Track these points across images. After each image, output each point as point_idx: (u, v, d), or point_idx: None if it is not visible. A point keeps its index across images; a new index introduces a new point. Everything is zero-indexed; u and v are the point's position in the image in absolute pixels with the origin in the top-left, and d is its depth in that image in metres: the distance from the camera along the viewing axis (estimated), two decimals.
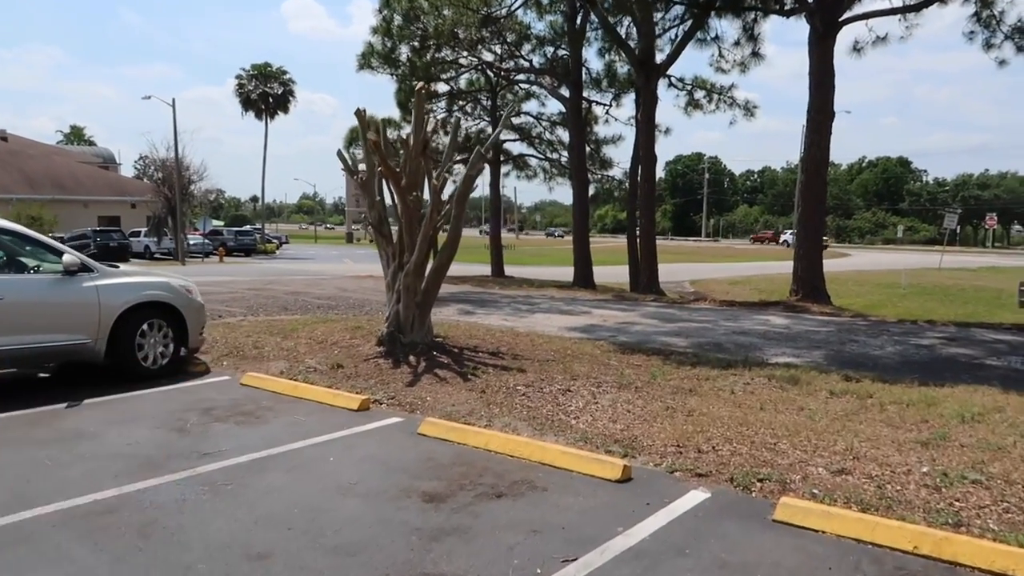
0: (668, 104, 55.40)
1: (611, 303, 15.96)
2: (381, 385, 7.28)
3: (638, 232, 21.83)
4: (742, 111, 25.03)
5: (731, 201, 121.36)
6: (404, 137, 9.29)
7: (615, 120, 28.67)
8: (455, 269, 33.47)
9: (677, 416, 6.24)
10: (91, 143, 71.84)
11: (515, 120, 30.32)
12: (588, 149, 28.23)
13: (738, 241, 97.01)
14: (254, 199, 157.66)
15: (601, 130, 28.17)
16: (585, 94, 26.11)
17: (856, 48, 16.50)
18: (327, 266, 38.19)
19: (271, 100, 51.75)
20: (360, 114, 8.81)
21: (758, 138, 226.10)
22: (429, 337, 9.07)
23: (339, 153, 9.12)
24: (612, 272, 29.43)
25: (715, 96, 25.17)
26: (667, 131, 26.41)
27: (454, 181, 14.93)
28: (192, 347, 8.32)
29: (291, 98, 52.13)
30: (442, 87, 28.58)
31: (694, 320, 12.96)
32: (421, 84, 8.89)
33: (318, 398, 6.93)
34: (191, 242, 45.75)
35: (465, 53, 25.41)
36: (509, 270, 32.73)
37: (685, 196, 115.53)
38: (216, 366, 8.51)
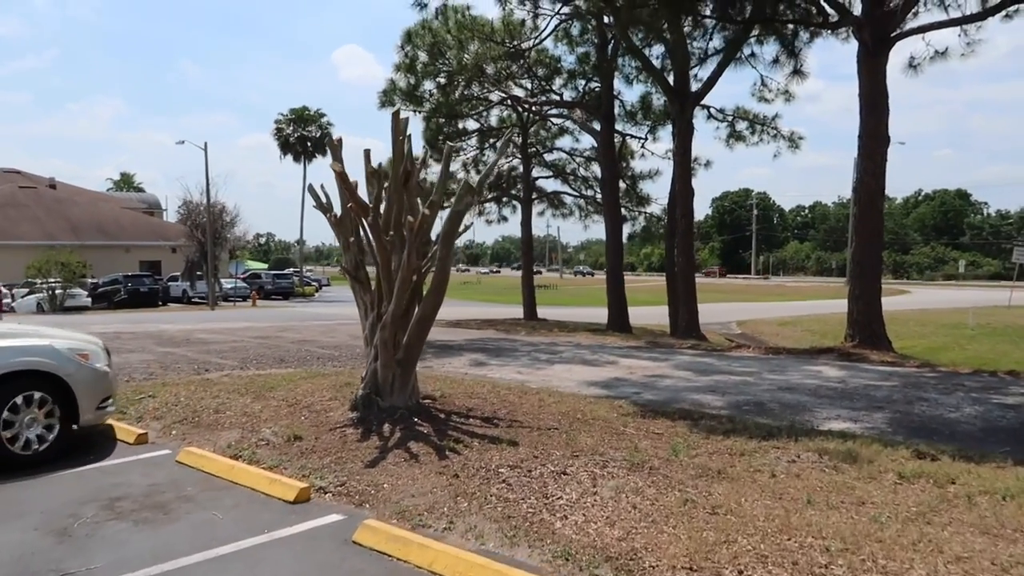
0: (708, 137, 54.20)
1: (642, 351, 14.47)
2: (336, 465, 5.97)
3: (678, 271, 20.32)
4: (787, 143, 23.55)
5: (781, 237, 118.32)
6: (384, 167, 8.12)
7: (651, 154, 27.34)
8: (483, 312, 32.37)
9: (697, 514, 4.79)
10: (140, 189, 73.26)
11: (548, 157, 29.30)
12: (624, 185, 26.97)
13: (789, 279, 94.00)
14: (299, 242, 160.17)
15: (637, 165, 26.90)
16: (619, 127, 24.94)
17: (912, 65, 14.95)
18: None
19: (308, 143, 51.86)
20: (332, 142, 7.66)
21: (808, 173, 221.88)
22: (414, 399, 7.76)
23: (310, 188, 8.00)
24: (654, 313, 27.79)
25: (758, 127, 23.77)
26: (707, 164, 24.95)
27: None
28: (87, 422, 6.80)
29: (327, 138, 52.17)
30: (471, 124, 27.74)
31: (733, 372, 11.40)
32: (397, 108, 7.73)
33: (253, 484, 5.65)
34: (227, 286, 45.63)
35: (493, 89, 24.50)
36: (545, 311, 31.38)
37: (733, 233, 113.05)
38: (163, 436, 7.32)
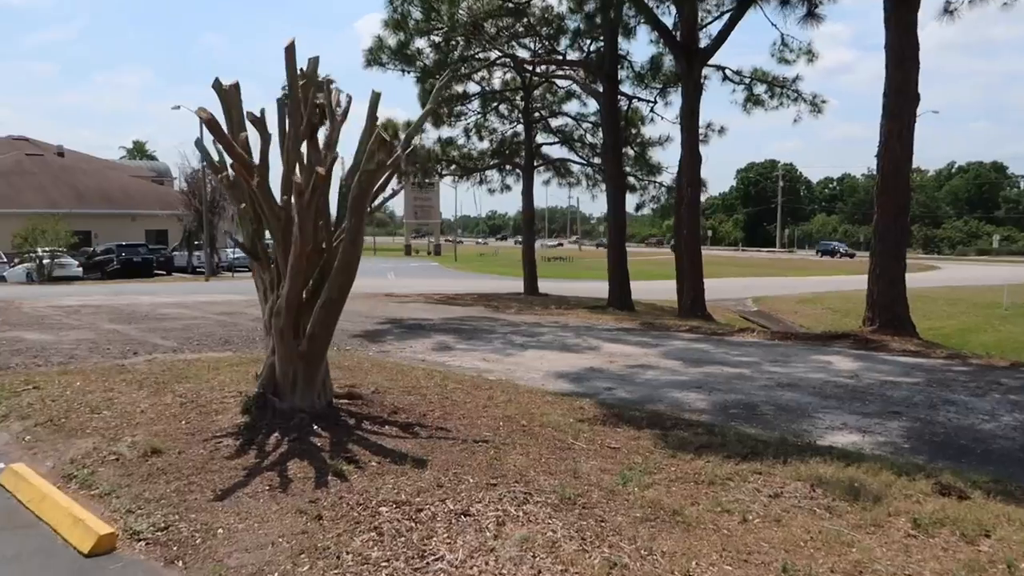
0: (723, 102, 51.54)
1: (633, 334, 13.00)
2: (178, 496, 4.63)
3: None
4: (809, 106, 21.66)
5: (807, 210, 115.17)
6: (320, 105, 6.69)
7: (662, 119, 25.29)
8: (486, 286, 30.95)
9: None
10: (152, 158, 72.39)
11: (554, 122, 27.63)
12: (632, 152, 25.30)
13: (814, 253, 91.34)
14: None
15: (647, 131, 25.13)
16: (627, 90, 23.23)
17: (948, 10, 13.12)
18: (364, 281, 36.11)
19: (316, 110, 50.12)
20: (218, 84, 6.23)
21: (838, 145, 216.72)
22: (323, 400, 6.40)
23: (197, 143, 6.61)
24: (670, 288, 26.12)
25: (777, 90, 21.92)
26: (721, 131, 23.14)
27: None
28: None
29: (337, 107, 50.41)
30: (472, 87, 26.14)
31: (729, 362, 9.92)
32: (292, 40, 6.25)
33: (56, 521, 4.34)
34: (232, 255, 44.64)
35: (492, 48, 22.83)
36: (553, 285, 29.95)
37: (757, 205, 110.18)
38: (14, 443, 6.03)
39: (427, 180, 28.08)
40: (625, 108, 22.95)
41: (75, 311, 15.87)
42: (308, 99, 6.18)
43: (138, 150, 74.55)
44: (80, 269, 31.05)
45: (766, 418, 6.89)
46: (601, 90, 19.98)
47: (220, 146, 5.84)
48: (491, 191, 27.51)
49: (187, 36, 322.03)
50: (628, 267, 19.75)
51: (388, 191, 7.06)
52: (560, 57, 22.73)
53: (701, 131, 22.65)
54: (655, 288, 28.14)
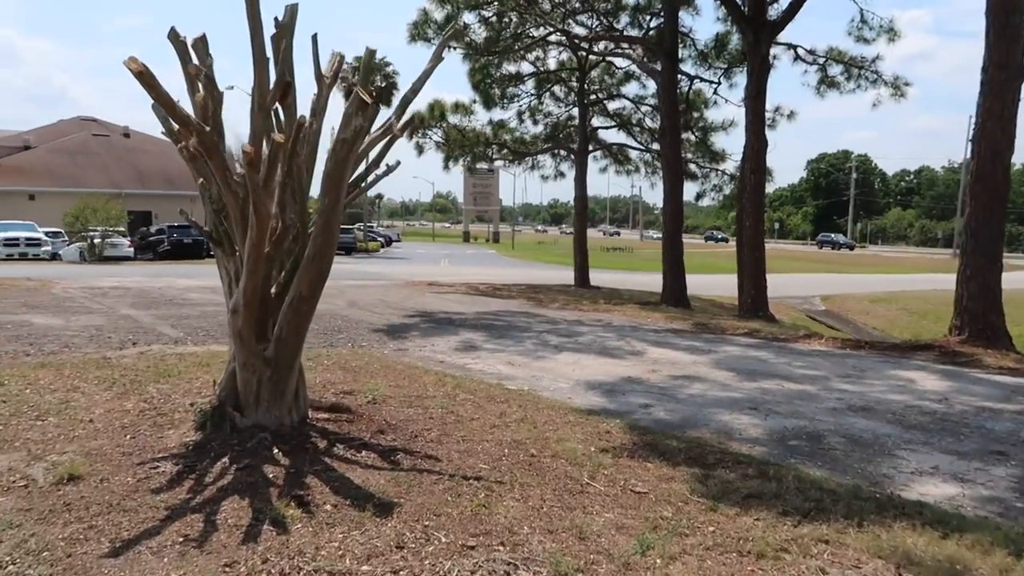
0: (794, 84, 48.82)
1: (683, 336, 11.67)
2: (67, 545, 3.63)
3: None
4: (890, 89, 19.72)
5: (881, 204, 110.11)
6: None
7: (726, 102, 23.70)
8: (537, 277, 29.79)
9: None
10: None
11: (612, 105, 26.16)
12: (694, 137, 23.73)
13: (888, 248, 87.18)
14: (378, 197, 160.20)
15: (711, 115, 23.52)
16: (690, 70, 21.67)
17: None
18: (414, 268, 35.48)
19: (373, 94, 49.66)
20: (175, 38, 5.21)
21: (915, 137, 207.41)
22: (296, 414, 5.39)
23: (153, 107, 5.64)
24: (732, 284, 24.40)
25: (855, 71, 20.06)
26: (791, 115, 21.41)
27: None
28: None
29: (395, 91, 49.90)
30: (526, 67, 24.89)
31: (792, 376, 8.55)
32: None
33: None
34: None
35: (545, 24, 21.55)
36: (609, 277, 28.66)
37: (828, 198, 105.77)
38: None
39: (478, 165, 27.00)
40: (686, 89, 21.41)
41: (103, 293, 15.37)
42: (280, 53, 5.11)
43: None
44: (131, 249, 31.09)
45: (834, 454, 5.58)
46: (660, 69, 18.50)
47: (160, 104, 4.82)
48: (544, 177, 26.42)
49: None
50: (684, 260, 18.31)
51: (382, 167, 5.97)
52: (618, 33, 21.29)
53: (768, 114, 20.99)
54: (716, 283, 26.55)
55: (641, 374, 8.44)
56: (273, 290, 5.36)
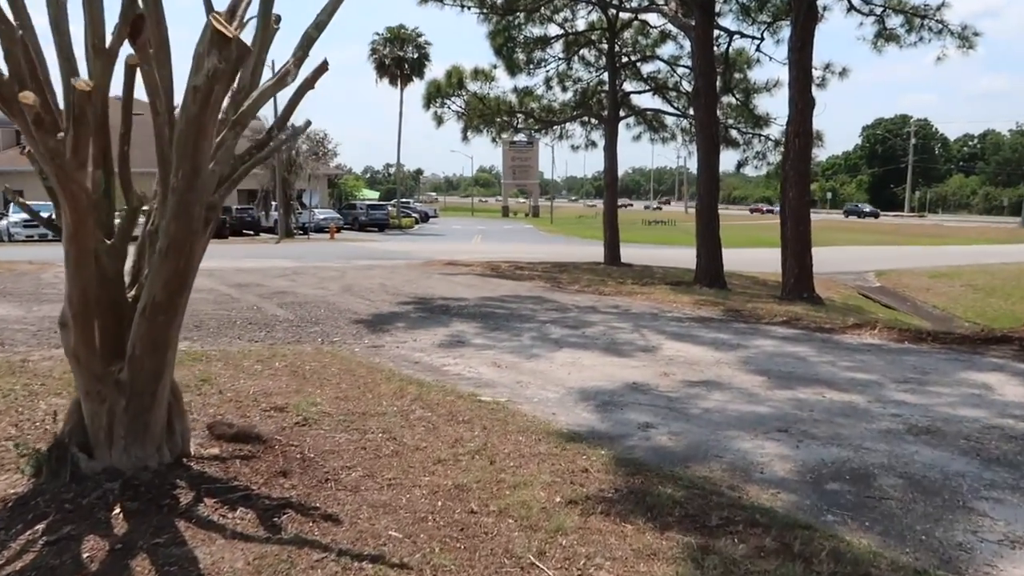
0: (848, 40, 45.36)
1: (712, 325, 10.15)
2: None
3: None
4: (957, 41, 17.59)
5: (942, 170, 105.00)
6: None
7: (770, 60, 21.69)
8: (569, 253, 28.41)
9: None
10: (255, 118, 72.75)
11: (645, 68, 24.34)
12: (735, 100, 21.85)
13: (949, 217, 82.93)
14: (418, 171, 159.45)
15: (753, 75, 21.59)
16: (730, 26, 19.78)
17: None
18: (446, 245, 34.34)
19: (406, 65, 48.37)
20: None
21: (979, 99, 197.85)
22: (169, 453, 4.13)
23: None
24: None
25: (916, 21, 17.97)
26: (843, 73, 19.40)
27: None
28: None
29: (427, 62, 48.52)
30: (553, 29, 23.22)
31: (836, 380, 7.01)
32: None
33: None
34: (319, 216, 43.80)
35: None
36: (647, 253, 27.11)
37: (885, 165, 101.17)
38: None
39: (504, 135, 25.52)
40: (725, 46, 19.56)
41: None
42: None
43: None
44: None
45: (888, 507, 4.11)
46: (693, 24, 16.72)
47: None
48: (574, 147, 24.77)
49: None
50: (720, 235, 16.63)
51: (281, 136, 4.61)
52: None
53: (818, 73, 19.05)
54: (762, 258, 24.62)
55: (650, 378, 7.00)
56: (132, 294, 4.09)
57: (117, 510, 3.65)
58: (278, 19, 4.49)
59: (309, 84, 4.39)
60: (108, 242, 3.77)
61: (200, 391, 6.13)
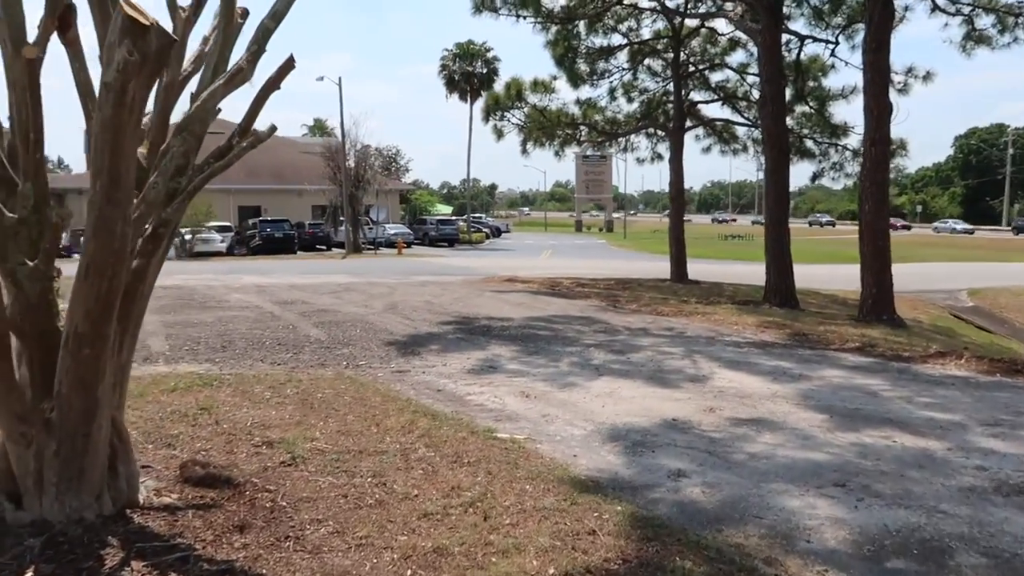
0: (933, 42, 42.49)
1: (773, 351, 9.22)
2: None
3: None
4: None
5: None
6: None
7: (846, 65, 20.28)
8: (630, 269, 27.57)
9: None
10: (330, 134, 74.43)
11: (714, 77, 23.33)
12: (809, 108, 20.62)
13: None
14: (492, 187, 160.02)
15: (828, 82, 20.38)
16: (802, 30, 18.67)
17: None
18: (512, 260, 33.87)
19: (475, 80, 48.37)
20: None
21: None
22: (112, 503, 3.66)
23: None
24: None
25: (1010, 20, 16.58)
26: (927, 77, 18.00)
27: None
28: None
29: (495, 77, 48.34)
30: (617, 39, 22.50)
31: (910, 421, 6.05)
32: None
33: None
34: (390, 231, 44.08)
35: None
36: (719, 269, 26.03)
37: (980, 177, 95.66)
38: None
39: (564, 148, 24.87)
40: (796, 52, 18.44)
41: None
42: None
43: (318, 127, 77.04)
44: (223, 245, 31.16)
45: None
46: (760, 28, 15.75)
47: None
48: (640, 160, 23.90)
49: (379, 17, 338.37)
50: (791, 249, 15.51)
51: (243, 144, 4.09)
52: None
53: (899, 78, 17.78)
54: (843, 275, 23.03)
55: (692, 414, 6.21)
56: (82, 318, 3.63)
57: (30, 574, 3.17)
58: (245, 13, 4.02)
59: (273, 84, 3.90)
60: (30, 264, 3.32)
61: (195, 422, 5.70)
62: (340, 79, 34.89)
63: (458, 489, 4.41)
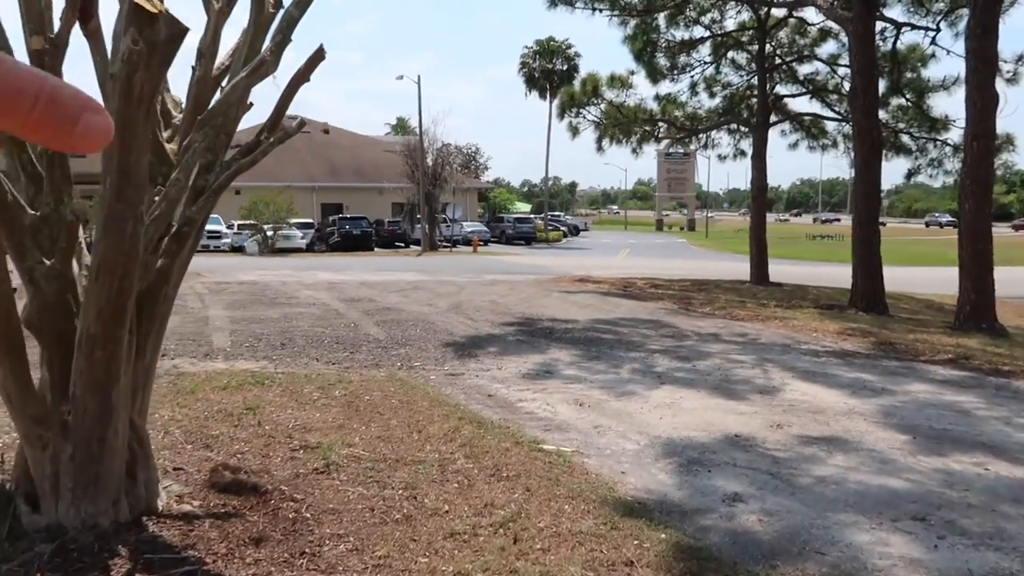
0: None
1: (855, 361, 8.56)
2: None
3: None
4: None
5: None
6: None
7: (948, 54, 18.82)
8: (710, 269, 26.72)
9: None
10: (412, 133, 75.38)
11: (802, 70, 22.29)
12: (907, 101, 19.42)
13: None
14: (573, 185, 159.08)
15: (928, 72, 19.14)
16: (898, 17, 17.56)
17: None
18: (588, 259, 33.46)
19: (554, 77, 47.97)
20: None
21: None
22: (130, 510, 3.55)
23: None
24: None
25: None
26: None
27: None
28: None
29: (575, 74, 47.77)
30: (698, 31, 21.78)
31: (1007, 446, 5.42)
32: None
33: None
34: (468, 229, 44.27)
35: None
36: (805, 271, 25.00)
37: None
38: None
39: (642, 145, 24.27)
40: (892, 41, 17.36)
41: (218, 290, 14.80)
42: None
43: (400, 126, 78.15)
44: (304, 241, 31.84)
45: None
46: (851, 16, 14.83)
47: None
48: (721, 157, 23.14)
49: (466, 17, 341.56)
50: (880, 251, 14.56)
51: (271, 140, 3.91)
52: None
53: (1007, 66, 16.49)
54: (942, 278, 21.60)
55: (757, 429, 5.76)
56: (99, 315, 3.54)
57: None
58: (278, 2, 3.84)
59: (303, 76, 3.71)
60: (47, 263, 3.22)
61: (238, 422, 5.63)
62: (419, 77, 35.23)
63: (491, 506, 4.15)
